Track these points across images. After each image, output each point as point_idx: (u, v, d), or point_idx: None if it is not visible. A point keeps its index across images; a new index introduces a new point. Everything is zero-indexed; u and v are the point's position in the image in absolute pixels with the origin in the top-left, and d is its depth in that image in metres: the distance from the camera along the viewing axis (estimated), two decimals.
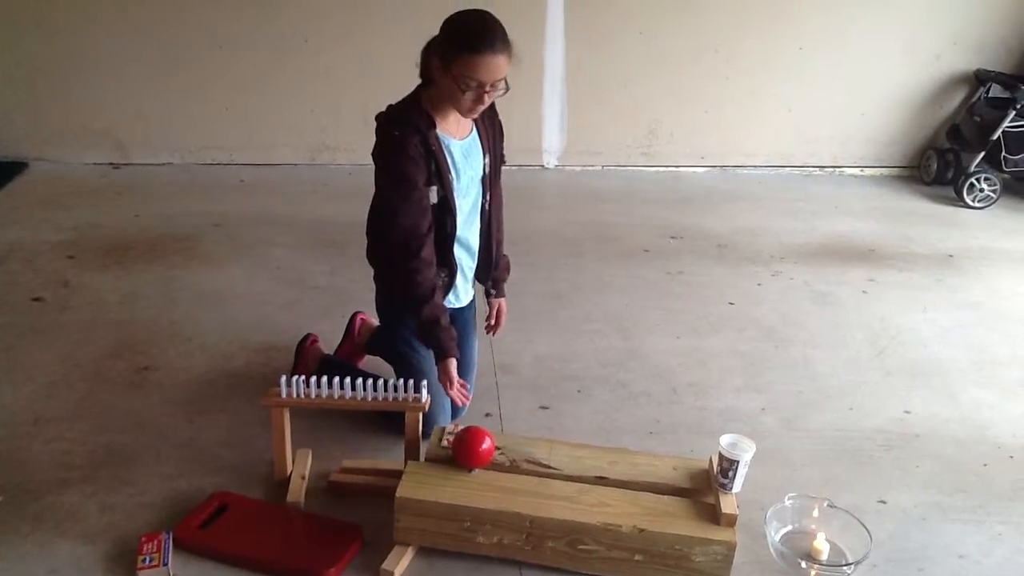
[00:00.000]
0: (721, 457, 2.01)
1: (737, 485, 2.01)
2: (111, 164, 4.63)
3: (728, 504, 1.97)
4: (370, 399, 2.11)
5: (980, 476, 2.46)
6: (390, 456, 2.27)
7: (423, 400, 2.11)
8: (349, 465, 2.27)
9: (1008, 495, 2.38)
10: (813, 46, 4.80)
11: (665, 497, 2.04)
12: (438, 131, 2.24)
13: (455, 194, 2.30)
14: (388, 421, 2.34)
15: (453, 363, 2.28)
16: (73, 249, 3.60)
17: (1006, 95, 4.65)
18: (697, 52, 4.71)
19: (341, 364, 2.62)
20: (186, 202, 4.21)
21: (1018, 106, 4.49)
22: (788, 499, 2.18)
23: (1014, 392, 2.89)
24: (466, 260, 2.48)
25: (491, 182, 2.44)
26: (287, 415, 2.16)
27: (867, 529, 2.09)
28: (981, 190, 4.64)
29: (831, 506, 2.18)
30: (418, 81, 2.31)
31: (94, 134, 4.59)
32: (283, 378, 2.09)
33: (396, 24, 4.46)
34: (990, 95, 4.81)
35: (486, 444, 2.06)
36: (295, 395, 2.09)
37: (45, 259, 3.50)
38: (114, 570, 1.94)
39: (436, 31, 2.16)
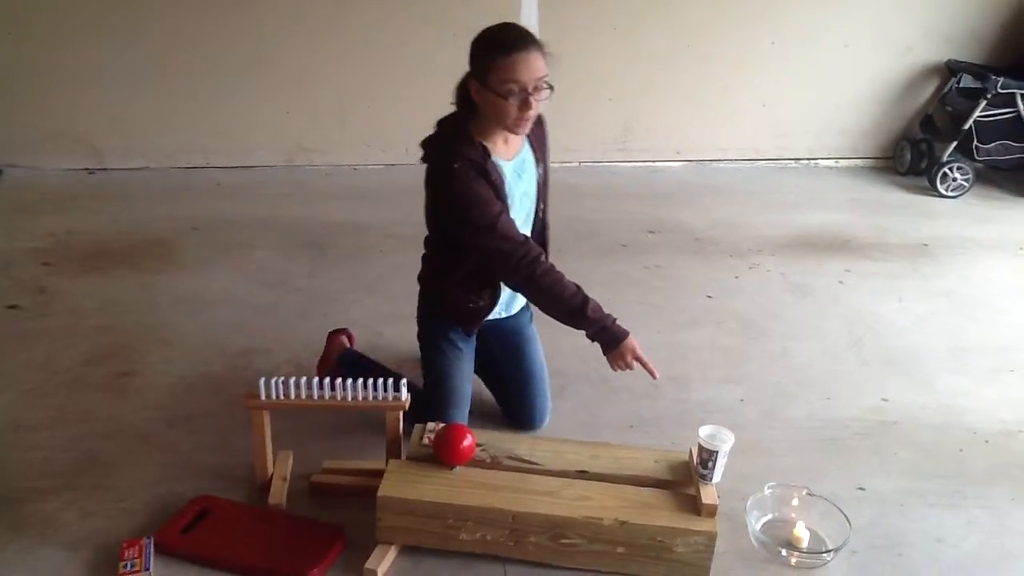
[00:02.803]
0: (700, 448, 2.03)
1: (717, 475, 2.03)
2: (86, 170, 4.60)
3: (708, 495, 1.99)
4: (350, 399, 2.11)
5: (956, 461, 2.49)
6: (371, 456, 2.27)
7: (403, 399, 2.11)
8: (330, 466, 2.27)
9: (984, 479, 2.42)
10: (786, 40, 4.83)
11: (646, 489, 2.05)
12: (494, 159, 2.19)
13: (512, 213, 2.25)
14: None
15: (634, 343, 2.21)
16: (49, 256, 3.58)
17: (977, 85, 4.70)
18: (672, 47, 4.73)
19: (360, 358, 2.61)
20: (163, 206, 4.18)
21: (988, 96, 4.53)
22: (768, 488, 2.20)
23: (989, 378, 2.93)
24: None
25: (544, 192, 2.40)
26: (267, 417, 2.16)
27: (846, 516, 2.12)
28: (954, 179, 4.69)
29: (810, 494, 2.21)
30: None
31: (69, 140, 4.56)
32: (262, 380, 2.09)
33: (370, 24, 4.46)
34: (961, 85, 4.85)
35: (467, 441, 2.06)
36: (274, 397, 2.09)
37: (20, 267, 3.47)
38: None
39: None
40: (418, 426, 2.19)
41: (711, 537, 1.94)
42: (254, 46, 4.48)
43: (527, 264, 2.17)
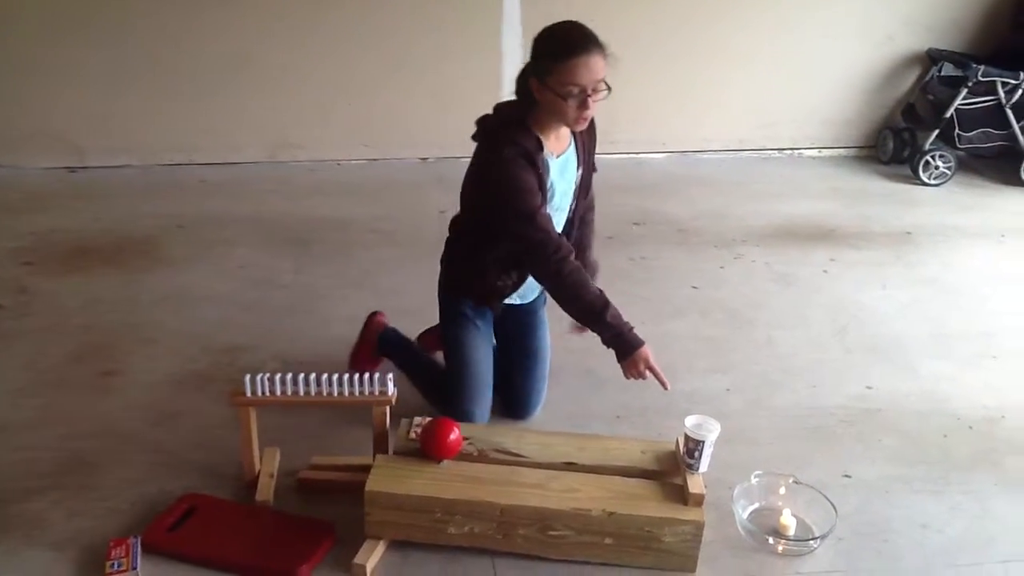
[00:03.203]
0: (687, 438, 2.04)
1: (703, 465, 2.04)
2: (68, 168, 4.56)
3: (695, 484, 2.00)
4: (336, 395, 2.10)
5: (940, 447, 2.51)
6: (358, 451, 2.26)
7: (390, 394, 2.11)
8: (318, 462, 2.27)
9: (968, 465, 2.44)
10: (768, 30, 4.84)
11: (633, 480, 2.06)
12: (543, 153, 2.22)
13: (551, 208, 2.29)
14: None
15: (647, 352, 2.21)
16: (31, 255, 3.55)
17: (958, 73, 4.72)
18: (654, 39, 4.73)
19: (399, 341, 2.65)
20: (146, 204, 4.16)
21: (970, 84, 4.56)
22: (754, 477, 2.22)
23: (972, 364, 2.95)
24: None
25: (581, 192, 2.43)
26: (254, 414, 2.15)
27: (832, 503, 2.13)
28: (936, 167, 4.71)
29: (796, 482, 2.22)
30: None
31: (50, 138, 4.52)
32: (247, 377, 2.08)
33: (352, 20, 4.44)
34: (942, 74, 4.87)
35: (454, 435, 2.07)
36: (260, 393, 2.09)
37: (2, 267, 3.44)
38: None
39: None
40: (404, 420, 2.19)
41: (698, 526, 1.95)
42: (237, 43, 4.45)
43: (558, 259, 2.19)
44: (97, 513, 2.13)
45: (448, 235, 2.51)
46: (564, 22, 2.15)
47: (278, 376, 2.09)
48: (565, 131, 2.30)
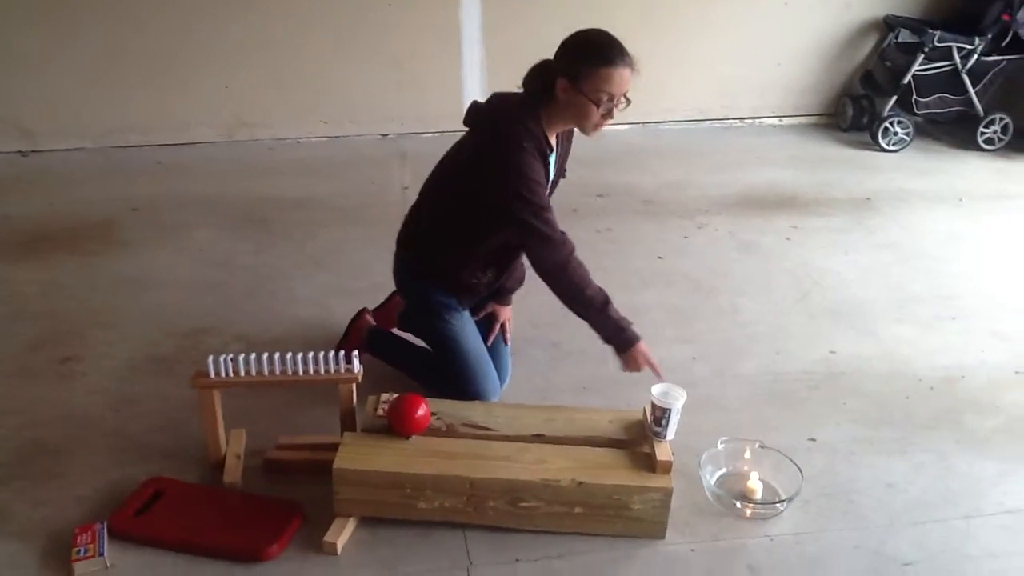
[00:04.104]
0: (653, 406, 2.05)
1: (670, 433, 2.05)
2: (19, 152, 4.46)
3: (663, 452, 2.01)
4: (301, 373, 2.08)
5: (903, 409, 2.55)
6: (325, 429, 2.25)
7: (355, 371, 2.09)
8: (285, 441, 2.25)
9: (930, 425, 2.48)
10: (727, 0, 4.84)
11: (601, 450, 2.07)
12: (549, 153, 2.25)
13: None
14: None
15: (643, 345, 2.24)
16: None
17: (914, 40, 4.77)
18: (613, 10, 4.71)
19: (387, 339, 2.61)
20: (102, 187, 4.08)
21: (926, 50, 4.60)
22: (721, 443, 2.24)
23: (932, 326, 3.00)
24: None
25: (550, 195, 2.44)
26: (218, 396, 2.13)
27: (798, 466, 2.16)
28: (895, 134, 4.76)
29: (762, 447, 2.24)
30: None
31: None
32: (210, 358, 2.06)
33: None
34: (899, 40, 4.92)
35: (422, 410, 2.06)
36: (224, 375, 2.06)
37: None
38: (49, 565, 1.91)
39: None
40: (371, 397, 2.18)
41: (667, 493, 1.97)
42: (189, 20, 4.37)
43: (566, 253, 2.21)
44: (61, 501, 2.09)
45: (416, 223, 2.45)
46: (599, 31, 2.19)
47: (241, 357, 2.07)
48: (555, 136, 2.29)
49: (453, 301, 2.42)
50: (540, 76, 2.21)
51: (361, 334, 2.59)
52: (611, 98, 2.13)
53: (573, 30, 2.19)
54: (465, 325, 2.45)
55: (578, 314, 2.27)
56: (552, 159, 2.29)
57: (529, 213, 2.16)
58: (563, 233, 2.23)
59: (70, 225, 3.65)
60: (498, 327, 2.57)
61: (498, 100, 2.29)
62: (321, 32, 4.51)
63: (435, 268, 2.41)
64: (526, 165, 2.15)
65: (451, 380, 2.38)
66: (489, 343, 2.53)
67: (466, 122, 2.31)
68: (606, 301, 2.23)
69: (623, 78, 2.12)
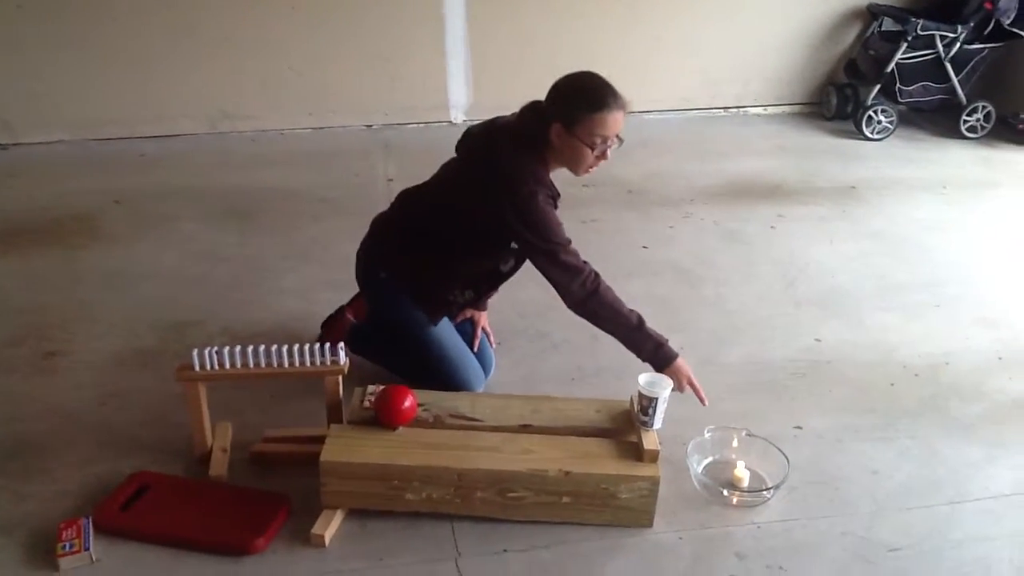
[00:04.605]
0: (640, 396, 2.05)
1: (657, 422, 2.06)
2: (0, 145, 4.42)
3: (650, 441, 2.02)
4: (287, 366, 2.07)
5: (888, 396, 2.56)
6: (312, 422, 2.24)
7: (341, 363, 2.08)
8: (271, 434, 2.25)
9: (915, 411, 2.49)
10: None
11: (588, 439, 2.07)
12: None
13: None
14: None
15: (683, 363, 2.24)
16: None
17: (897, 28, 4.77)
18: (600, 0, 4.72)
19: (369, 332, 2.59)
20: (84, 180, 4.04)
21: (909, 38, 4.60)
22: (707, 432, 2.24)
23: (916, 314, 3.01)
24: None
25: None
26: (203, 389, 2.12)
27: (784, 454, 2.17)
28: (879, 122, 4.77)
29: (749, 435, 2.25)
30: None
31: None
32: (195, 351, 2.05)
33: None
34: (883, 29, 4.92)
35: (408, 402, 2.06)
36: (209, 368, 2.05)
37: None
38: (33, 561, 1.89)
39: None
40: (358, 389, 2.18)
41: (654, 482, 1.97)
42: (171, 11, 4.33)
43: (593, 279, 2.24)
44: (46, 496, 2.08)
45: (398, 237, 2.43)
46: (591, 75, 2.22)
47: (227, 350, 2.06)
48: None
49: (423, 316, 2.41)
50: (534, 120, 2.23)
51: (342, 332, 2.58)
52: (604, 140, 2.16)
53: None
54: (445, 323, 2.44)
55: (616, 334, 2.27)
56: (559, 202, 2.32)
57: (561, 256, 2.21)
58: (585, 262, 2.26)
59: (52, 218, 3.62)
60: (480, 331, 2.58)
61: (500, 137, 2.27)
62: (305, 23, 4.48)
63: (416, 285, 2.39)
64: (548, 216, 2.21)
65: (434, 376, 2.37)
66: (474, 349, 2.52)
67: (460, 149, 2.33)
68: (641, 318, 2.26)
69: (616, 121, 2.16)
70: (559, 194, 2.28)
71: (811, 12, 5.01)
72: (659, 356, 2.23)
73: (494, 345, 2.60)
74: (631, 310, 2.26)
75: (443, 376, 2.37)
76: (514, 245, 2.29)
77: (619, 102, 2.16)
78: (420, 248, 2.37)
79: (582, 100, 2.16)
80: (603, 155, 2.19)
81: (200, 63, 4.47)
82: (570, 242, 2.25)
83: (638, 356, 2.24)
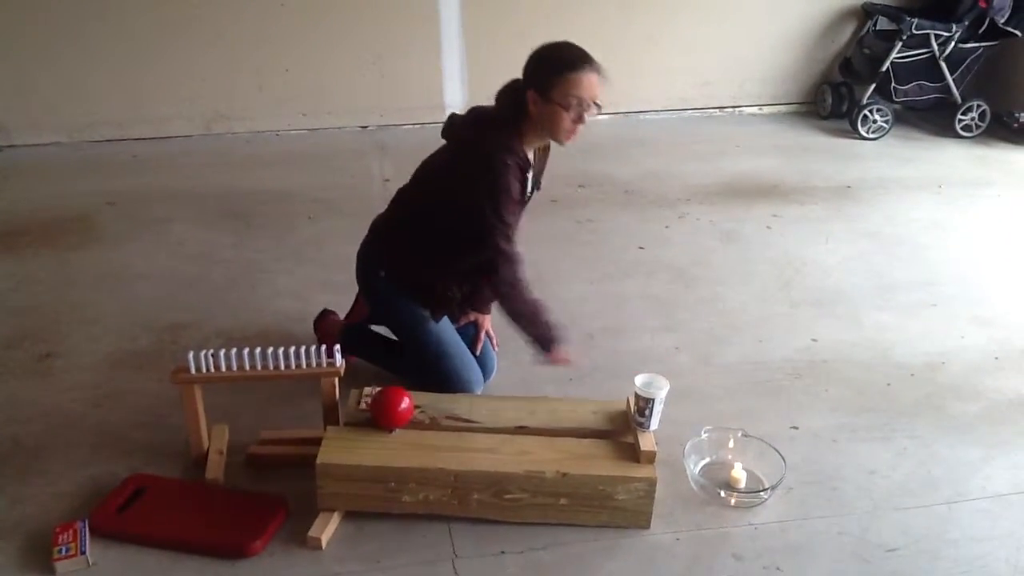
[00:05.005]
0: (637, 396, 2.05)
1: (654, 423, 2.06)
2: None
3: (647, 442, 2.02)
4: (283, 368, 2.07)
5: (885, 395, 2.56)
6: (308, 424, 2.24)
7: (338, 365, 2.08)
8: (267, 436, 2.24)
9: (911, 411, 2.49)
10: None
11: (585, 440, 2.07)
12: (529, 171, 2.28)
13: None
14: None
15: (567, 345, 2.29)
16: None
17: (893, 27, 4.77)
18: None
19: (363, 331, 2.60)
20: (78, 182, 4.03)
21: (904, 37, 4.61)
22: (704, 432, 2.24)
23: (913, 313, 3.01)
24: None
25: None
26: (199, 391, 2.11)
27: (781, 455, 2.17)
28: (874, 121, 4.77)
29: (746, 436, 2.25)
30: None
31: None
32: (190, 354, 2.04)
33: None
34: (878, 28, 4.92)
35: (405, 404, 2.05)
36: (204, 370, 2.04)
37: None
38: (29, 565, 1.89)
39: None
40: (354, 391, 2.17)
41: (651, 483, 1.97)
42: (164, 12, 4.32)
43: (522, 269, 2.25)
44: (41, 499, 2.07)
45: (391, 236, 2.44)
46: (564, 42, 2.21)
47: (222, 352, 2.05)
48: (532, 152, 2.32)
49: (426, 313, 2.41)
50: (511, 95, 2.24)
51: (332, 332, 2.58)
52: (580, 102, 2.14)
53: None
54: (443, 321, 2.44)
55: (520, 320, 2.28)
56: (530, 175, 2.30)
57: (501, 231, 2.20)
58: (518, 252, 2.27)
59: (46, 220, 3.61)
60: (483, 335, 2.56)
61: (478, 116, 2.31)
62: (299, 23, 4.47)
63: (414, 282, 2.40)
64: (507, 183, 2.19)
65: (432, 376, 2.37)
66: (477, 352, 2.51)
67: (444, 135, 2.33)
68: (546, 309, 2.29)
69: (591, 81, 2.15)
70: (530, 165, 2.26)
71: (806, 11, 5.02)
72: (551, 339, 2.26)
73: (497, 348, 2.59)
74: (539, 299, 2.29)
75: (442, 376, 2.36)
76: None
77: (593, 65, 2.16)
78: (414, 242, 2.37)
79: (554, 63, 2.17)
80: (580, 119, 2.17)
81: (195, 64, 4.46)
82: (514, 226, 2.25)
83: (531, 340, 2.27)
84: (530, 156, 2.29)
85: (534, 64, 2.20)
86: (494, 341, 2.60)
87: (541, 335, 2.27)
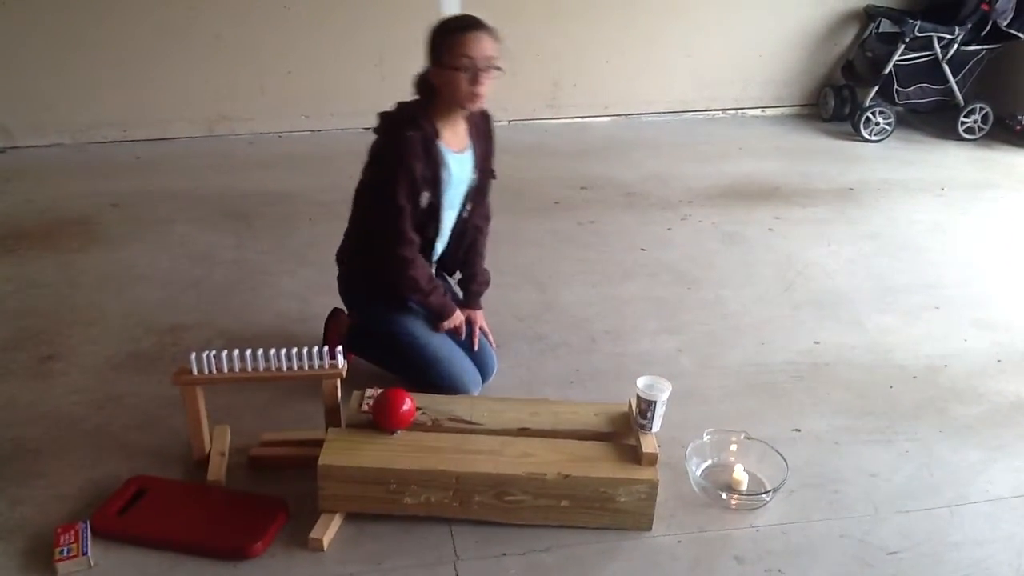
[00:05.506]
0: (639, 399, 2.05)
1: (656, 425, 2.05)
2: None
3: (648, 444, 2.01)
4: (285, 369, 2.07)
5: (886, 398, 2.56)
6: (310, 425, 2.24)
7: (339, 366, 2.08)
8: (269, 438, 2.24)
9: (913, 414, 2.49)
10: None
11: (587, 443, 2.07)
12: (439, 141, 2.29)
13: (443, 203, 2.35)
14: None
15: (457, 315, 2.43)
16: None
17: (895, 30, 4.77)
18: (596, 2, 4.70)
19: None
20: (81, 183, 4.03)
21: (906, 39, 4.61)
22: (706, 434, 2.24)
23: (915, 315, 3.01)
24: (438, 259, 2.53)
25: (475, 196, 2.47)
26: (201, 392, 2.11)
27: (783, 457, 2.17)
28: (877, 124, 4.77)
29: (748, 438, 2.25)
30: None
31: None
32: (192, 355, 2.04)
33: None
34: (880, 30, 4.93)
35: (406, 405, 2.05)
36: (206, 371, 2.04)
37: None
38: (30, 566, 1.89)
39: None
40: (356, 393, 2.17)
41: (653, 485, 1.97)
42: (167, 14, 4.32)
43: (411, 252, 2.32)
44: (42, 500, 2.07)
45: (347, 236, 2.51)
46: (455, 14, 2.28)
47: (224, 353, 2.05)
48: (462, 130, 2.37)
49: (417, 320, 2.44)
50: (420, 78, 2.30)
51: (340, 331, 2.58)
52: (473, 61, 2.17)
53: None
54: (420, 323, 2.44)
55: (415, 296, 2.38)
56: (452, 154, 2.32)
57: (390, 205, 2.24)
58: (412, 241, 2.32)
59: (48, 222, 3.61)
60: (478, 331, 2.55)
61: (397, 105, 2.35)
62: (301, 25, 4.47)
63: (377, 283, 2.43)
64: (403, 160, 2.22)
65: (427, 378, 2.37)
66: (475, 349, 2.51)
67: (375, 131, 2.36)
68: (435, 288, 2.39)
69: (479, 40, 2.18)
70: (437, 136, 2.27)
71: (808, 14, 5.02)
72: (445, 311, 2.40)
73: (494, 345, 2.59)
74: (430, 277, 2.39)
75: (437, 381, 2.37)
76: (423, 203, 2.30)
77: (479, 25, 2.20)
78: (364, 254, 2.43)
79: (442, 31, 2.22)
80: (476, 79, 2.18)
81: (197, 66, 4.47)
82: (408, 203, 2.26)
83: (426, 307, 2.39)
84: (449, 133, 2.31)
85: (430, 39, 2.25)
86: (490, 337, 2.59)
87: (436, 308, 2.39)
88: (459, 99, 2.23)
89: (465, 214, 2.47)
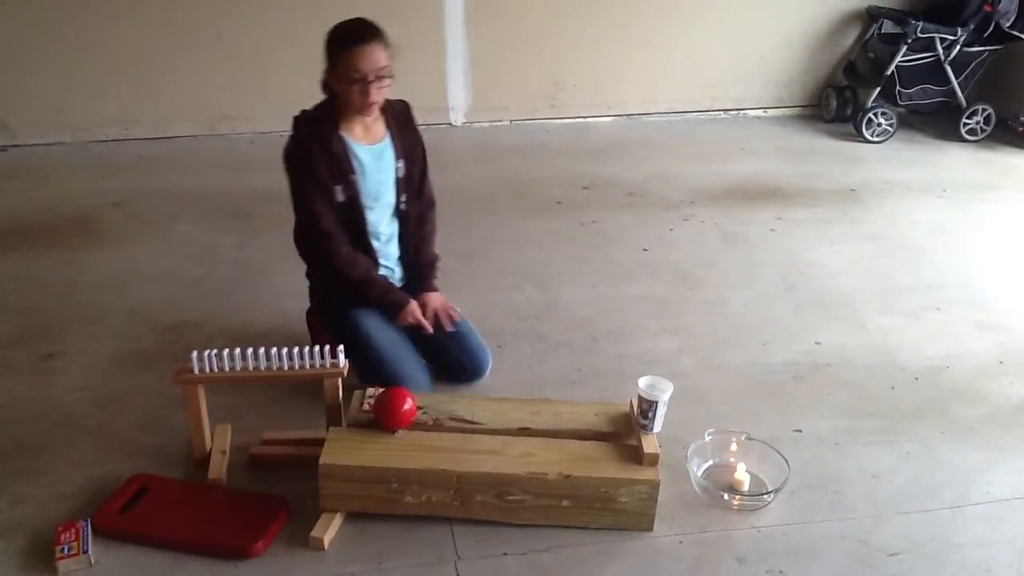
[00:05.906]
0: (640, 399, 2.04)
1: (657, 425, 2.05)
2: None
3: (650, 444, 2.01)
4: (287, 368, 2.07)
5: (888, 399, 2.56)
6: (311, 424, 2.23)
7: (341, 365, 2.08)
8: (270, 437, 2.24)
9: (914, 415, 2.48)
10: None
11: (588, 442, 2.07)
12: (342, 134, 2.33)
13: (362, 195, 2.36)
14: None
15: (414, 306, 2.42)
16: None
17: (897, 30, 4.77)
18: (597, 3, 4.70)
19: None
20: (82, 182, 4.04)
21: (909, 41, 4.60)
22: (708, 435, 2.24)
23: (917, 316, 3.01)
24: (386, 251, 2.50)
25: (406, 185, 2.47)
26: (202, 391, 2.11)
27: (784, 458, 2.16)
28: (879, 124, 4.77)
29: (749, 438, 2.24)
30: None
31: None
32: (194, 353, 2.04)
33: None
34: (882, 31, 4.92)
35: (407, 404, 2.05)
36: (207, 370, 2.04)
37: None
38: (31, 564, 1.89)
39: None
40: (357, 392, 2.17)
41: (654, 485, 1.96)
42: (169, 13, 4.33)
43: (331, 249, 2.36)
44: (43, 499, 2.07)
45: (307, 268, 2.55)
46: (348, 20, 2.30)
47: (226, 352, 2.05)
48: (378, 123, 2.41)
49: (353, 303, 2.44)
50: (324, 82, 2.35)
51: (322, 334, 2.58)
52: (362, 76, 2.21)
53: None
54: (376, 322, 2.43)
55: (356, 291, 2.40)
56: (363, 147, 2.35)
57: (304, 207, 2.32)
58: (331, 233, 2.34)
59: (50, 220, 3.61)
60: (443, 316, 2.48)
61: (312, 107, 2.40)
62: (302, 25, 4.46)
63: (313, 276, 2.51)
64: (301, 155, 2.30)
65: (377, 377, 2.32)
66: (448, 329, 2.47)
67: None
68: (374, 281, 2.41)
69: (367, 56, 2.20)
70: (335, 129, 2.32)
71: (810, 14, 5.01)
72: (391, 304, 2.41)
73: (458, 319, 2.50)
74: (367, 270, 2.40)
75: (385, 379, 2.28)
76: (340, 198, 2.33)
77: (366, 38, 2.22)
78: (300, 244, 2.48)
79: (335, 42, 2.26)
80: (366, 92, 2.22)
81: (199, 65, 4.47)
82: (318, 198, 2.30)
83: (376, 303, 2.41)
84: (358, 128, 2.35)
85: (326, 45, 2.30)
86: (454, 315, 2.50)
87: (383, 306, 2.42)
88: (353, 108, 2.29)
89: (403, 205, 2.47)
